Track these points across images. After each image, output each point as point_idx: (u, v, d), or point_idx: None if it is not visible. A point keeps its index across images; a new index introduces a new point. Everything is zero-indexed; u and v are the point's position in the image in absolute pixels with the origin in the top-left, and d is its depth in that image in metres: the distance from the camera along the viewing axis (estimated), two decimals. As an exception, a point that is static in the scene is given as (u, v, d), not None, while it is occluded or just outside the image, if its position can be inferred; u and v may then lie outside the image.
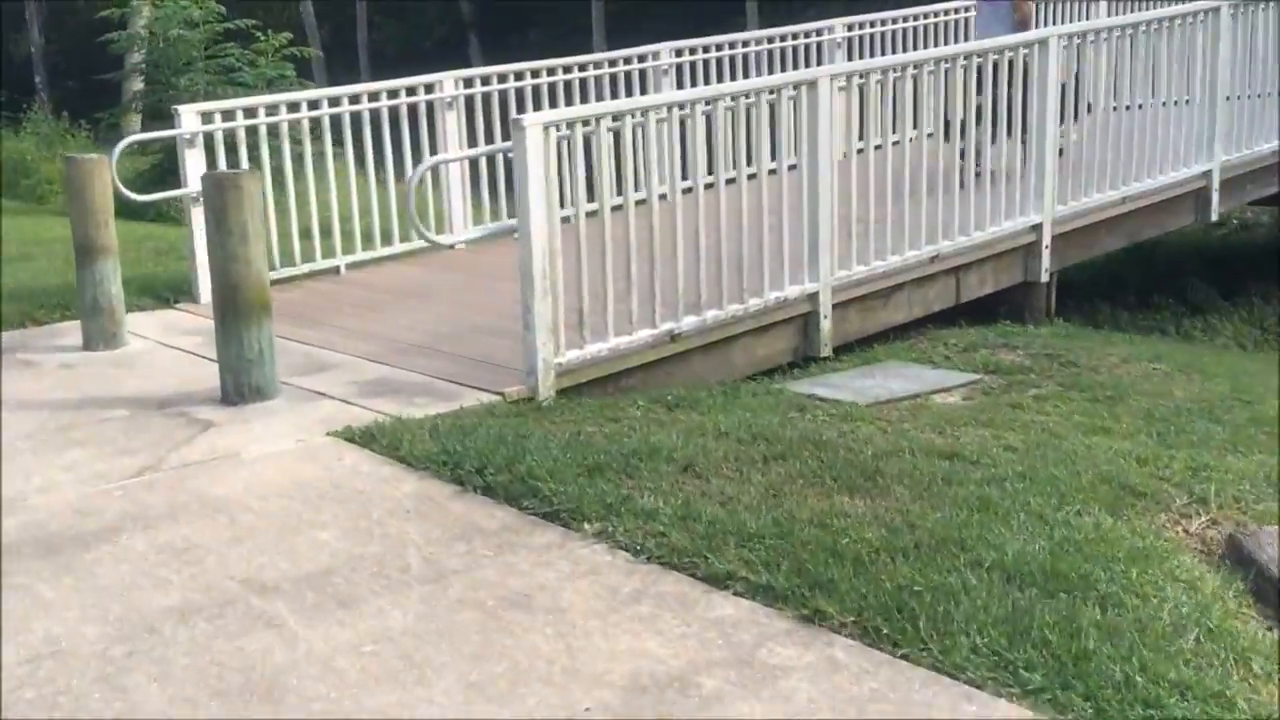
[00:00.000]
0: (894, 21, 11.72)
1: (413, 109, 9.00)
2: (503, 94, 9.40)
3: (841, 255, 6.98)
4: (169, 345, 7.04)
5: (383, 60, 36.58)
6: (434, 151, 9.10)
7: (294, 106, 8.56)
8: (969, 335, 7.35)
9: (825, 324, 6.91)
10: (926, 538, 4.04)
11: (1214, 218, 9.26)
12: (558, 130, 5.79)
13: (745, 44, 10.78)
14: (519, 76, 9.48)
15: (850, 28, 11.38)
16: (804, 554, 3.88)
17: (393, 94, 8.90)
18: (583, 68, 9.81)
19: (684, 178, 6.28)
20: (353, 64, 35.88)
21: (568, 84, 9.67)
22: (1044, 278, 8.07)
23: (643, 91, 10.07)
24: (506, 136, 9.24)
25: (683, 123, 6.25)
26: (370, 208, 8.84)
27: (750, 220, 6.54)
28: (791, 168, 6.68)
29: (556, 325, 5.88)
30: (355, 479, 4.75)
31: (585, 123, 5.94)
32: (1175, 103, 8.73)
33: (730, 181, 6.44)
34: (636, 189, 6.08)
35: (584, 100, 9.68)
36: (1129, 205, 8.64)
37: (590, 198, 6.09)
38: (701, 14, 30.73)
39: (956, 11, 12.26)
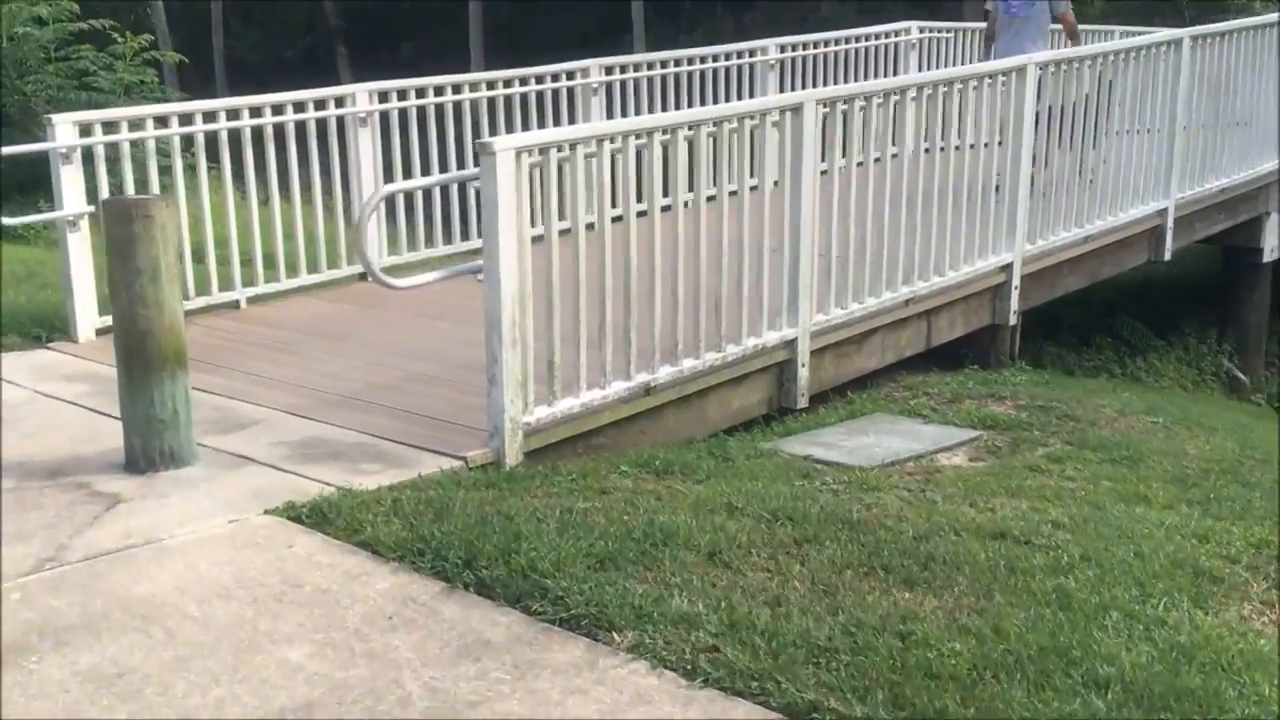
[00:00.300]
0: (826, 45, 11.22)
1: (321, 124, 8.13)
2: (421, 110, 8.59)
3: (820, 298, 6.38)
4: (49, 395, 6.05)
5: (241, 70, 35.05)
6: (345, 170, 8.26)
7: (186, 118, 7.64)
8: (947, 383, 6.81)
9: (803, 373, 6.29)
10: (1023, 648, 3.42)
11: (1167, 256, 8.92)
12: (530, 156, 5.06)
13: (677, 63, 10.14)
14: (439, 92, 8.68)
15: (783, 49, 10.83)
16: (894, 675, 3.23)
17: (299, 107, 8.02)
18: (508, 84, 9.05)
19: (664, 195, 5.60)
20: (208, 73, 34.18)
21: (491, 101, 8.91)
22: (1012, 320, 7.59)
23: (571, 111, 9.36)
24: (426, 158, 8.55)
25: (664, 149, 5.56)
26: (273, 233, 7.95)
27: (730, 257, 5.90)
28: (775, 183, 6.07)
29: (526, 379, 5.14)
30: (314, 573, 3.94)
31: (560, 148, 5.21)
32: (1138, 131, 8.36)
33: (711, 199, 5.78)
34: (612, 219, 5.38)
35: (509, 120, 8.94)
36: (1090, 244, 8.24)
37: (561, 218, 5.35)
38: (583, 32, 30.14)
39: (891, 35, 11.86)
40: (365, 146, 8.29)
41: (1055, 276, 8.05)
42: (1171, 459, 5.49)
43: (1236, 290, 10.47)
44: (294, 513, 4.40)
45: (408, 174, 8.54)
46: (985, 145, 7.24)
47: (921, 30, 12.38)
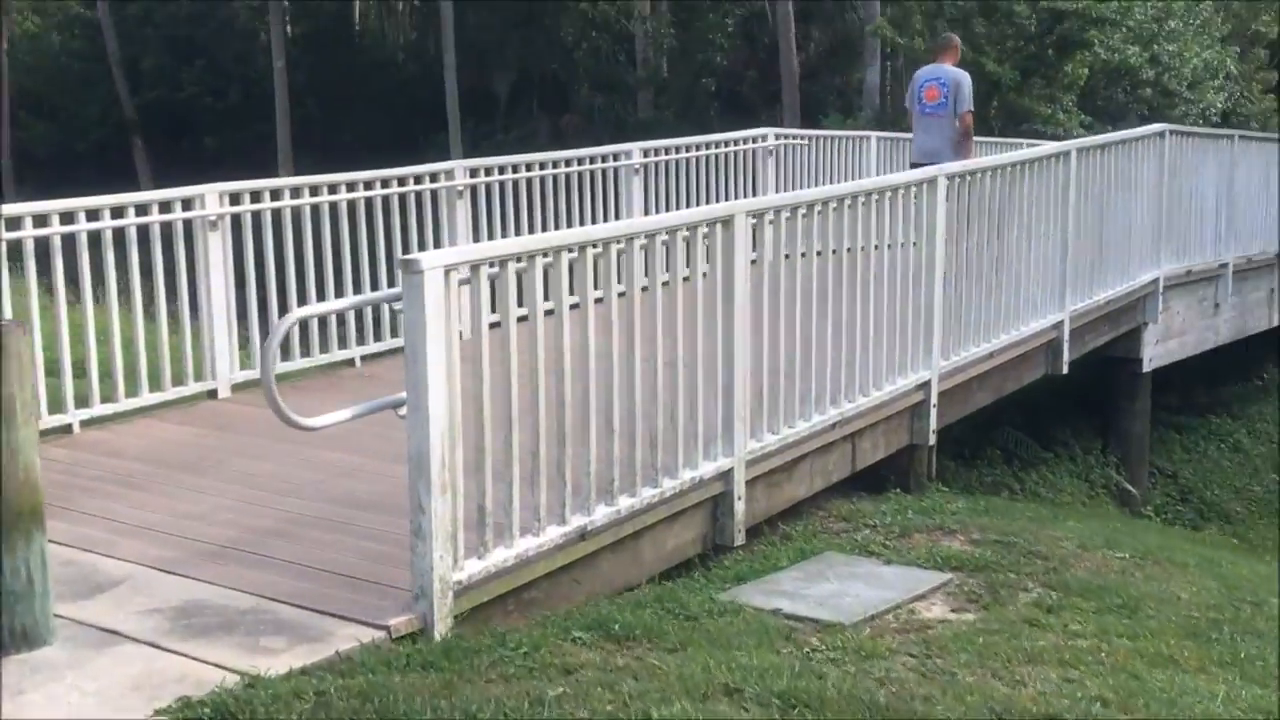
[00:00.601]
0: (688, 150, 10.87)
1: (167, 229, 7.22)
2: (276, 213, 7.75)
3: (753, 422, 5.80)
4: None
5: (29, 162, 33.11)
6: (193, 278, 7.36)
7: (14, 222, 6.64)
8: (882, 512, 6.28)
9: (739, 506, 5.67)
10: None
11: (1064, 370, 8.70)
12: (459, 273, 4.36)
13: (542, 166, 9.58)
14: (296, 193, 7.88)
15: (647, 154, 10.42)
16: None
17: (142, 209, 7.11)
18: (369, 185, 8.30)
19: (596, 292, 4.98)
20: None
21: (352, 204, 8.15)
22: (931, 439, 7.17)
23: (435, 214, 8.67)
24: (282, 264, 7.71)
25: (596, 262, 4.94)
26: (111, 345, 6.97)
27: (666, 379, 5.27)
28: (705, 273, 5.51)
29: (456, 530, 4.37)
30: (238, 804, 3.08)
31: (493, 264, 4.53)
32: (1027, 236, 8.14)
33: (645, 289, 5.17)
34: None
35: (371, 223, 8.21)
36: (995, 360, 7.93)
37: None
38: (398, 134, 29.44)
39: (750, 142, 11.62)
40: (215, 251, 7.41)
41: (966, 393, 7.70)
42: (1169, 606, 5.06)
43: (1117, 400, 10.39)
44: (192, 713, 3.53)
45: (261, 281, 7.70)
46: (903, 248, 6.85)
47: (778, 137, 12.24)
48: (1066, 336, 8.62)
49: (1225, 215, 11.47)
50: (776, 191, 11.81)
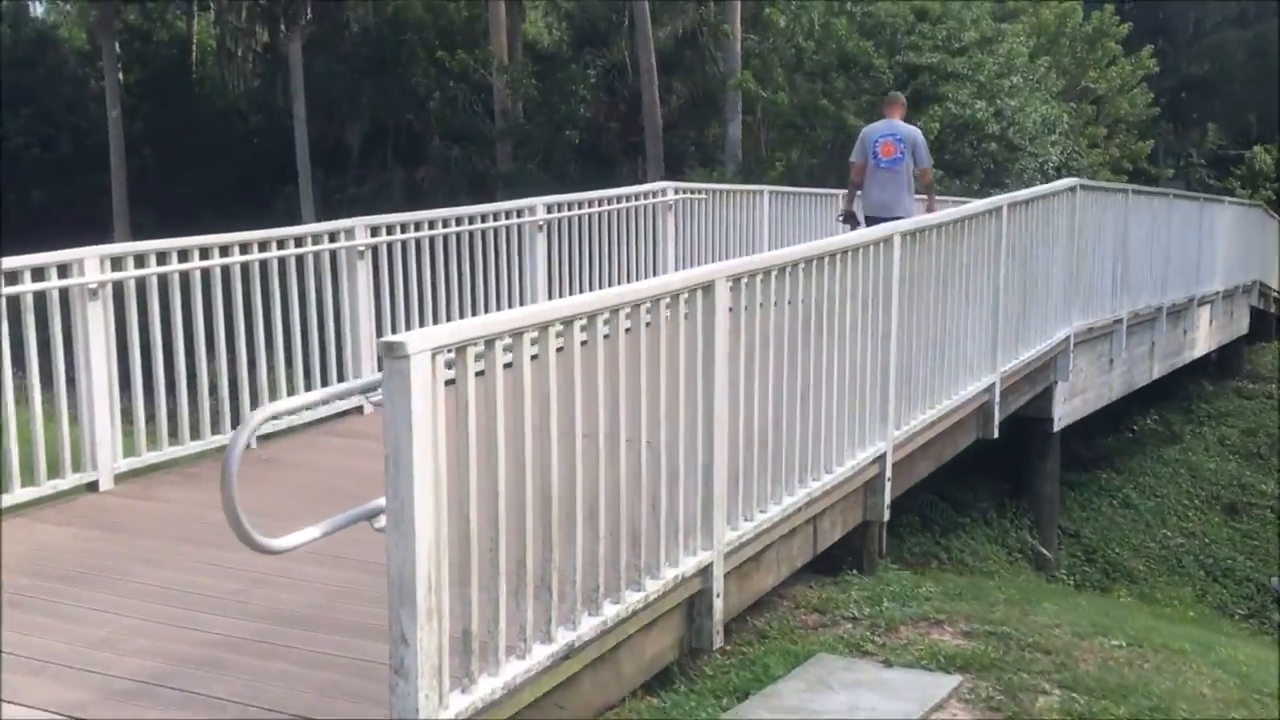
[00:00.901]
0: (589, 205, 10.40)
1: (40, 298, 6.41)
2: (163, 279, 6.98)
3: (729, 509, 5.30)
4: None
5: None
6: (70, 354, 6.54)
7: None
8: (854, 601, 5.81)
9: (718, 605, 5.14)
10: None
11: (995, 434, 8.40)
12: (444, 355, 3.76)
13: (445, 224, 8.98)
14: (184, 256, 7.11)
15: (550, 209, 9.91)
16: None
17: (11, 277, 6.28)
18: (264, 246, 7.59)
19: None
20: None
21: (245, 267, 7.43)
22: (885, 515, 6.76)
23: (334, 277, 8.00)
24: (169, 335, 6.95)
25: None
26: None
27: (647, 464, 4.73)
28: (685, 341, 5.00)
29: (441, 662, 3.75)
30: None
31: (484, 343, 3.94)
32: (965, 295, 7.85)
33: (627, 334, 4.64)
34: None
35: (266, 287, 7.51)
36: (937, 427, 7.57)
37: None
38: (243, 186, 28.30)
39: (649, 197, 11.21)
40: (95, 322, 6.61)
41: (912, 464, 7.31)
42: (1199, 706, 4.71)
43: (1028, 460, 10.18)
44: None
45: (146, 354, 6.91)
46: (863, 310, 6.45)
47: (677, 192, 11.90)
48: (998, 399, 8.35)
49: (1120, 270, 11.47)
50: (678, 246, 11.49)
